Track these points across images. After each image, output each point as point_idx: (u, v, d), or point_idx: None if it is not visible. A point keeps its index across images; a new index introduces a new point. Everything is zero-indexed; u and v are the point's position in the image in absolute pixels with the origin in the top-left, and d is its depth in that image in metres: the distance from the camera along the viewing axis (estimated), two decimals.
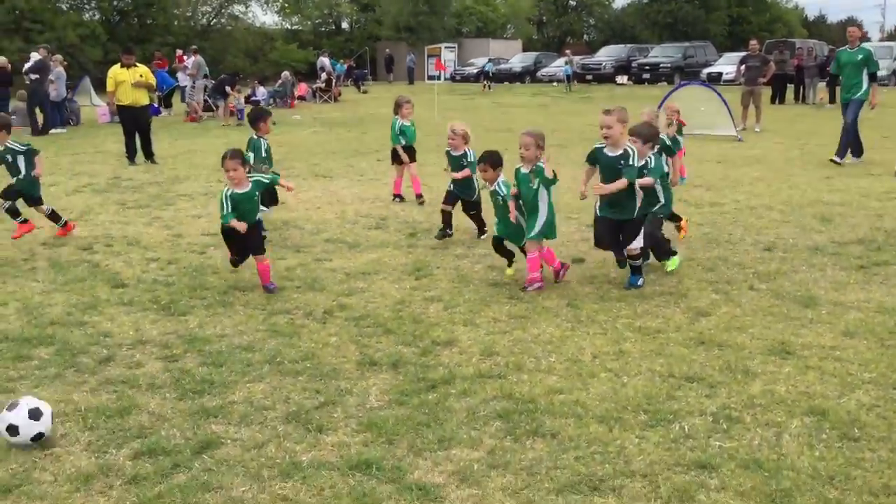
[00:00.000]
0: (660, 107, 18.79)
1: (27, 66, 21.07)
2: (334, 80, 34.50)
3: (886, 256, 7.20)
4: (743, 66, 20.21)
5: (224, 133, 20.13)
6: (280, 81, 30.65)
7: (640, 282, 6.47)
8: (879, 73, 37.45)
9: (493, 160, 6.91)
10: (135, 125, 14.64)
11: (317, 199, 10.57)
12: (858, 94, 13.12)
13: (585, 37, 71.96)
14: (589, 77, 43.18)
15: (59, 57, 22.63)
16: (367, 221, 9.23)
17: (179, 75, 27.02)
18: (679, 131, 9.44)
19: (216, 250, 7.90)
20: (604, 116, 6.36)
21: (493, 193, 6.82)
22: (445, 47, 51.50)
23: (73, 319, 5.85)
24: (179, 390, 4.58)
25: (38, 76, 20.34)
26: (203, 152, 16.01)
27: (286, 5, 61.44)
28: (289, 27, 61.92)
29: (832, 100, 25.88)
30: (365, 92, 39.36)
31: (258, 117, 9.20)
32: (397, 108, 10.23)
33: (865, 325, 5.46)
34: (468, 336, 5.46)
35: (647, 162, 6.61)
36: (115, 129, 21.56)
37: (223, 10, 55.49)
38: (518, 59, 50.74)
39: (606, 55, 46.66)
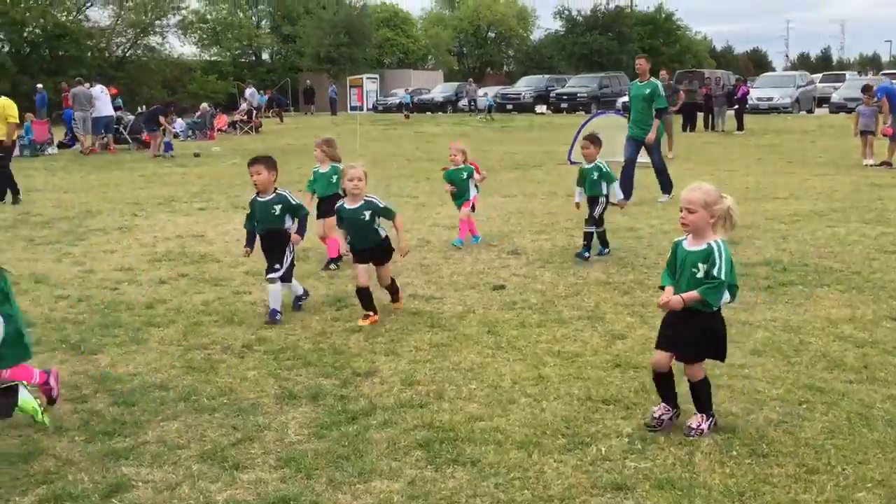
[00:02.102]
0: (577, 136, 19.23)
1: None
2: (255, 112, 34.23)
3: (791, 277, 7.49)
4: None
5: (142, 165, 19.69)
6: (199, 113, 30.25)
7: None
8: (783, 101, 38.72)
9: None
10: None
11: (235, 232, 10.40)
12: (651, 133, 12.01)
13: (505, 67, 73.35)
14: (509, 107, 43.90)
15: None
16: None
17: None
18: (463, 175, 9.12)
19: (129, 286, 7.70)
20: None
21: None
22: (367, 78, 51.61)
23: None
24: (88, 432, 4.42)
25: None
26: (118, 185, 15.63)
27: (204, 37, 60.80)
28: (208, 58, 61.23)
29: (740, 127, 26.93)
30: (280, 121, 39.28)
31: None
32: None
33: (772, 344, 5.66)
34: (389, 366, 5.43)
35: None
36: (25, 163, 20.92)
37: (139, 42, 54.50)
38: (440, 90, 51.29)
39: (525, 85, 47.56)
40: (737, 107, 27.96)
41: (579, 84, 44.42)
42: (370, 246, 6.46)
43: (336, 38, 54.42)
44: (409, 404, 4.75)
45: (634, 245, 9.16)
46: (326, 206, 8.10)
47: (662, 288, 4.37)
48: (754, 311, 6.45)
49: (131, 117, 26.90)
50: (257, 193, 6.67)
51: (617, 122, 18.60)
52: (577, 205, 8.64)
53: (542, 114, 41.94)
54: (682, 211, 4.21)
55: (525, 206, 11.73)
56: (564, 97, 43.01)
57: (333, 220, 7.39)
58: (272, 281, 6.57)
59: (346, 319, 6.52)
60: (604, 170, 8.41)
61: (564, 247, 9.14)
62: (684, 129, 27.20)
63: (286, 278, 6.70)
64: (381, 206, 6.44)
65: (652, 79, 12.19)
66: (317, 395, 4.92)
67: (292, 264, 6.80)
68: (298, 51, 59.10)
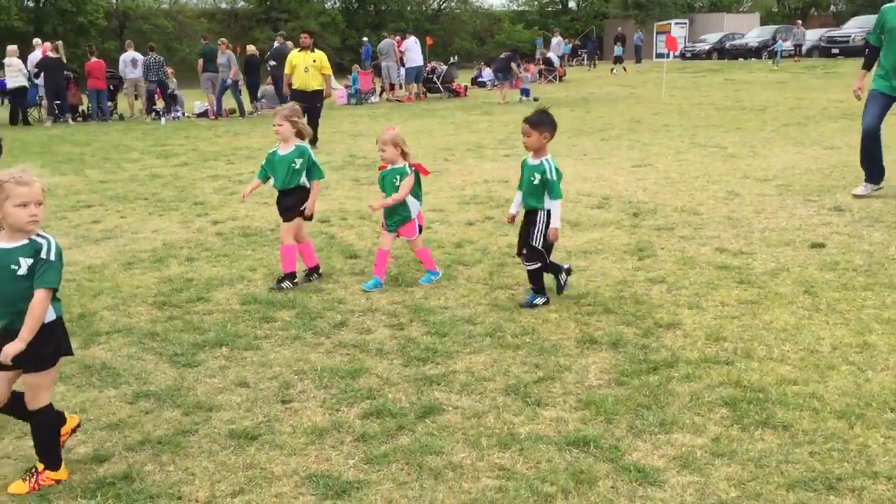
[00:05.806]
0: None
1: (269, 53, 22.83)
2: (559, 60, 34.37)
3: None
4: None
5: (452, 113, 20.67)
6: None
7: None
8: None
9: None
10: (304, 108, 14.95)
11: None
12: None
13: (832, 7, 66.40)
14: (835, 51, 39.83)
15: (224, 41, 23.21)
16: (588, 200, 9.13)
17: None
18: (396, 179, 6.10)
19: (441, 225, 8.16)
20: None
21: None
22: (676, 23, 49.55)
23: (312, 286, 6.28)
24: (405, 357, 4.79)
25: (275, 63, 21.69)
26: (430, 132, 16.56)
27: None
28: (515, 8, 62.48)
29: None
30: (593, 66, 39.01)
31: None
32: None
33: None
34: (693, 319, 5.25)
35: None
36: (351, 110, 22.92)
37: None
38: (755, 34, 47.77)
39: (857, 26, 42.71)
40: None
41: None
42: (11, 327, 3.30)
43: None
44: (713, 360, 4.56)
45: None
46: (290, 202, 6.27)
47: None
48: None
49: (444, 67, 28.24)
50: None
51: None
52: (511, 218, 5.92)
53: None
54: None
55: (850, 160, 10.61)
56: None
57: (296, 221, 6.25)
58: None
59: (648, 269, 6.39)
60: (547, 176, 5.46)
61: None
62: None
63: None
64: (52, 260, 3.25)
65: None
66: (617, 342, 4.89)
67: None
68: None
